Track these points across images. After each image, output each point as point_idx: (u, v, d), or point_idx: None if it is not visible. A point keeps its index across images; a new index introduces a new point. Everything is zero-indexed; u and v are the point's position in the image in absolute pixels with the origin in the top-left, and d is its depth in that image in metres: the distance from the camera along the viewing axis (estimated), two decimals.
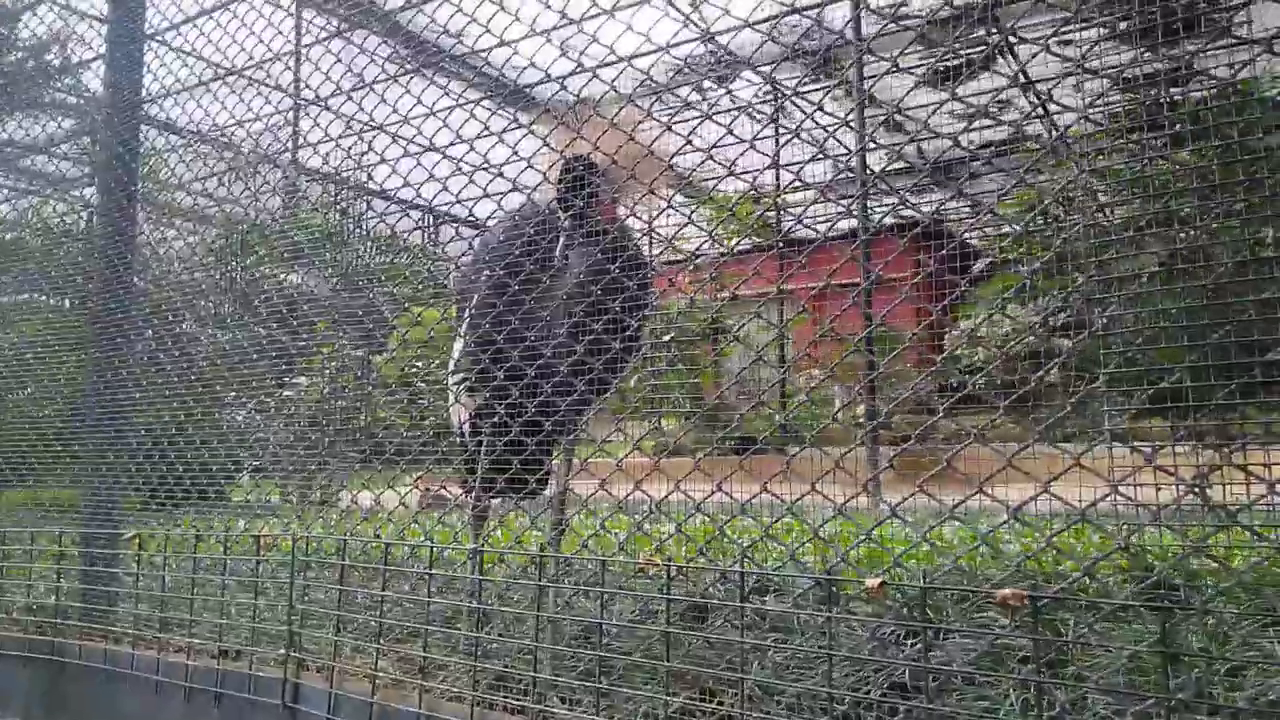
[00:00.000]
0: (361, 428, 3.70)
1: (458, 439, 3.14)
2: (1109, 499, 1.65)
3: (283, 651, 2.83)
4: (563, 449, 2.84)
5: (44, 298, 5.17)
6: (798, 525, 3.98)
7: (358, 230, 4.29)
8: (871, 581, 1.84)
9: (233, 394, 3.97)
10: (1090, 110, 2.32)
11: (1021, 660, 1.95)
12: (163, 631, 3.25)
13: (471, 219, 3.43)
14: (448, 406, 3.18)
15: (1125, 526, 1.78)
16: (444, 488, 3.15)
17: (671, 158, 2.53)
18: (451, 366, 3.11)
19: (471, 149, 3.16)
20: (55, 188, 5.26)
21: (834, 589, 1.95)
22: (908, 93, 2.77)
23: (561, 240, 2.60)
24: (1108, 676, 1.77)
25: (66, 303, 5.04)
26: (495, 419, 2.65)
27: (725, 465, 2.38)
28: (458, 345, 3.05)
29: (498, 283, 2.69)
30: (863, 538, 1.96)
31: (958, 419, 2.19)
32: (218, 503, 3.79)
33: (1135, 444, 1.65)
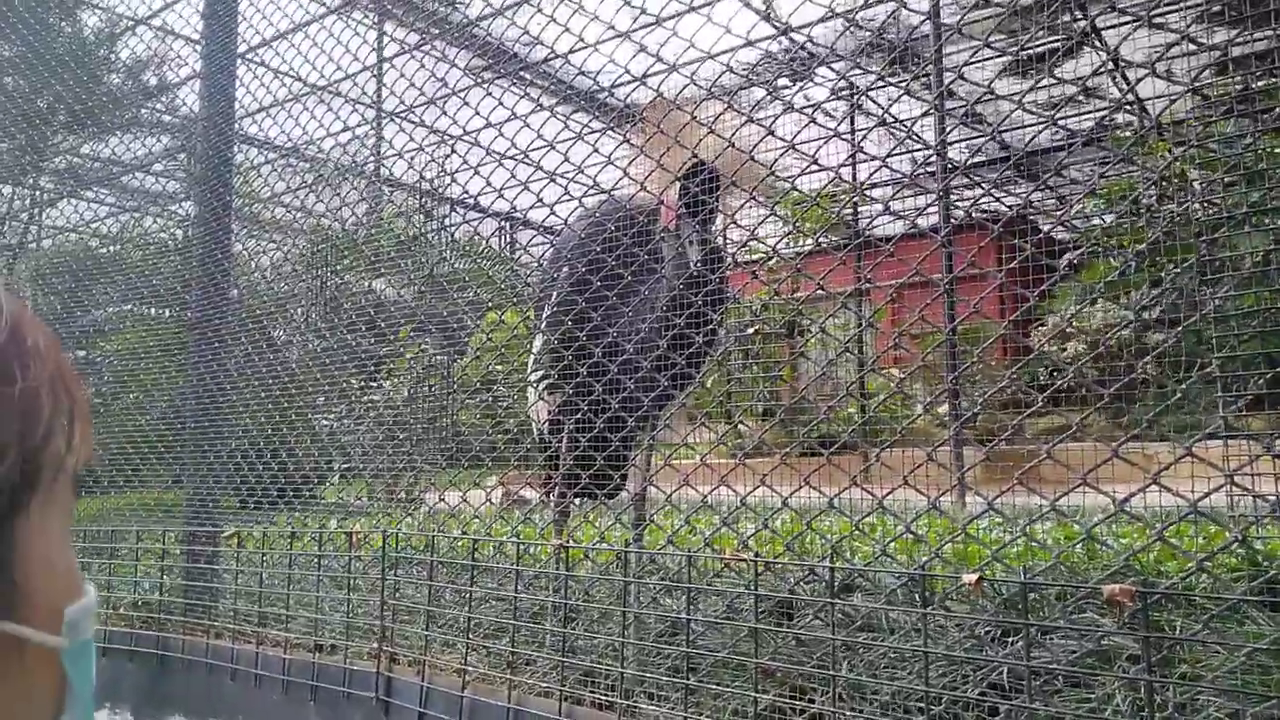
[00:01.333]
0: (446, 428, 3.76)
1: (538, 437, 3.17)
2: (1222, 491, 1.57)
3: (375, 646, 2.89)
4: (644, 445, 2.84)
5: (145, 308, 5.42)
6: (882, 523, 3.91)
7: (441, 235, 4.38)
8: (969, 577, 1.79)
9: (323, 398, 4.09)
10: (1194, 86, 2.22)
11: (1130, 659, 1.87)
12: (261, 626, 3.37)
13: (552, 222, 3.47)
14: (529, 405, 3.21)
15: (1240, 519, 1.69)
16: (528, 485, 3.18)
17: (772, 166, 2.50)
18: (532, 364, 3.14)
19: (552, 148, 3.20)
20: (155, 203, 5.51)
21: (927, 585, 1.90)
22: (992, 80, 2.71)
23: (680, 243, 2.59)
24: (1223, 676, 1.68)
25: (166, 312, 5.27)
26: (577, 416, 2.66)
27: (808, 463, 2.35)
28: (538, 342, 3.08)
29: (581, 279, 2.70)
30: (958, 532, 1.91)
31: (1052, 414, 2.11)
32: (311, 502, 3.91)
33: (1251, 434, 1.57)
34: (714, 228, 2.68)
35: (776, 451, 2.43)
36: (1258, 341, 1.56)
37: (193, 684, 3.59)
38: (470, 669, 2.63)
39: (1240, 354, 1.60)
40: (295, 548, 3.36)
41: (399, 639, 2.92)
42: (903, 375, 2.82)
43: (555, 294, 2.87)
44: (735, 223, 2.58)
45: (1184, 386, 1.55)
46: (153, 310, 5.43)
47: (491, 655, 2.67)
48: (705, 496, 2.37)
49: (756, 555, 2.15)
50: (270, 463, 3.76)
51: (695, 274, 2.46)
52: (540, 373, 2.99)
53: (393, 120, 4.39)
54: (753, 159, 2.48)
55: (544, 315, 2.96)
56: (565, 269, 2.87)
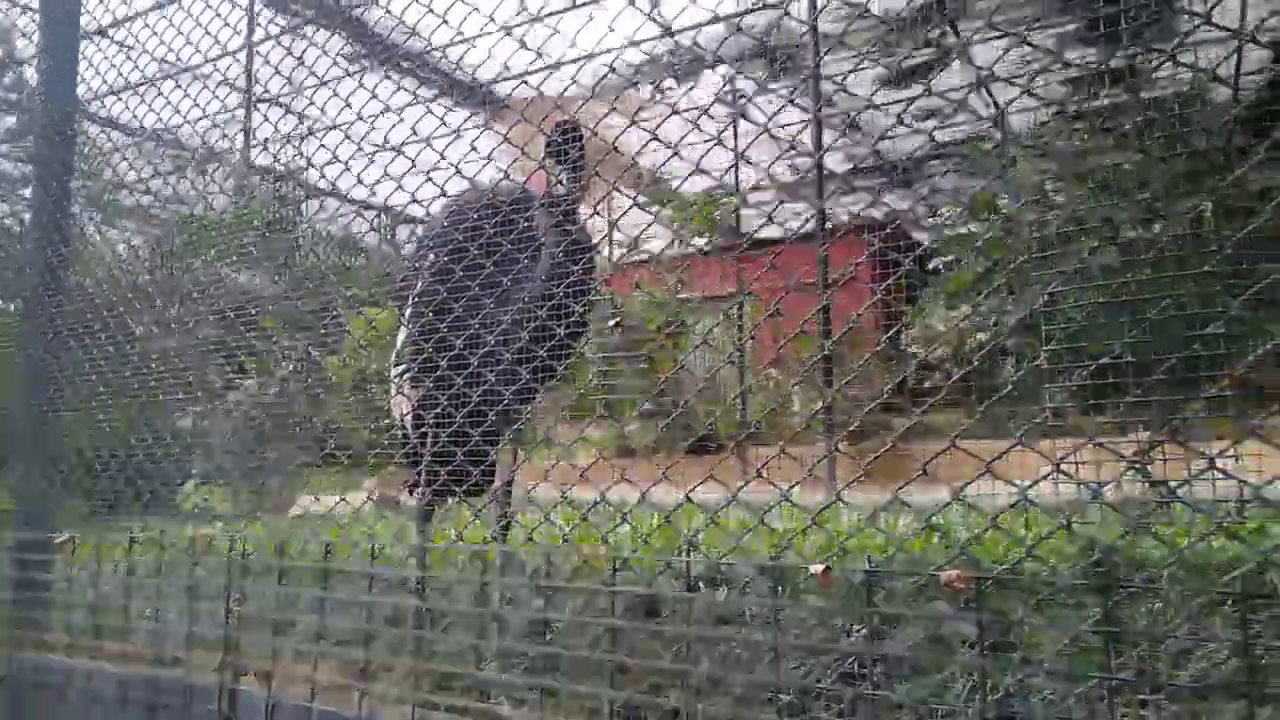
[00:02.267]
0: (308, 429, 3.61)
1: (399, 432, 3.07)
2: (1052, 479, 1.63)
3: (220, 657, 2.73)
4: (508, 440, 2.78)
5: None
6: (742, 521, 3.92)
7: (308, 229, 4.22)
8: (816, 568, 1.81)
9: (178, 397, 3.86)
10: (1032, 100, 2.31)
11: (970, 645, 1.93)
12: (96, 639, 3.14)
13: (425, 219, 3.37)
14: (389, 398, 3.11)
15: (1068, 507, 1.77)
16: (395, 488, 3.07)
17: (640, 151, 2.49)
18: (394, 357, 3.04)
19: (428, 146, 3.11)
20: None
21: (781, 577, 1.91)
22: (872, 93, 2.76)
23: (545, 221, 2.56)
24: (1053, 658, 1.75)
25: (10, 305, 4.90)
26: (439, 410, 2.58)
27: (682, 463, 2.34)
28: (401, 334, 2.98)
29: (444, 269, 2.63)
30: (808, 523, 1.92)
31: (911, 412, 2.16)
32: (162, 510, 3.68)
33: (1075, 425, 1.64)
34: (581, 186, 2.66)
35: (652, 451, 2.41)
36: (1076, 341, 1.63)
37: (22, 702, 3.32)
38: (321, 678, 2.51)
39: (1062, 365, 1.66)
40: (136, 553, 3.14)
41: (247, 649, 2.77)
42: (770, 382, 2.84)
43: (419, 284, 2.79)
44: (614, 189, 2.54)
45: (1011, 385, 1.60)
46: None
47: (344, 663, 2.56)
48: (564, 492, 2.33)
49: (614, 548, 2.12)
50: (113, 466, 3.52)
51: (560, 263, 2.43)
52: (402, 366, 2.89)
53: (257, 109, 4.20)
54: (616, 151, 2.46)
55: (408, 307, 2.87)
56: (430, 258, 2.79)
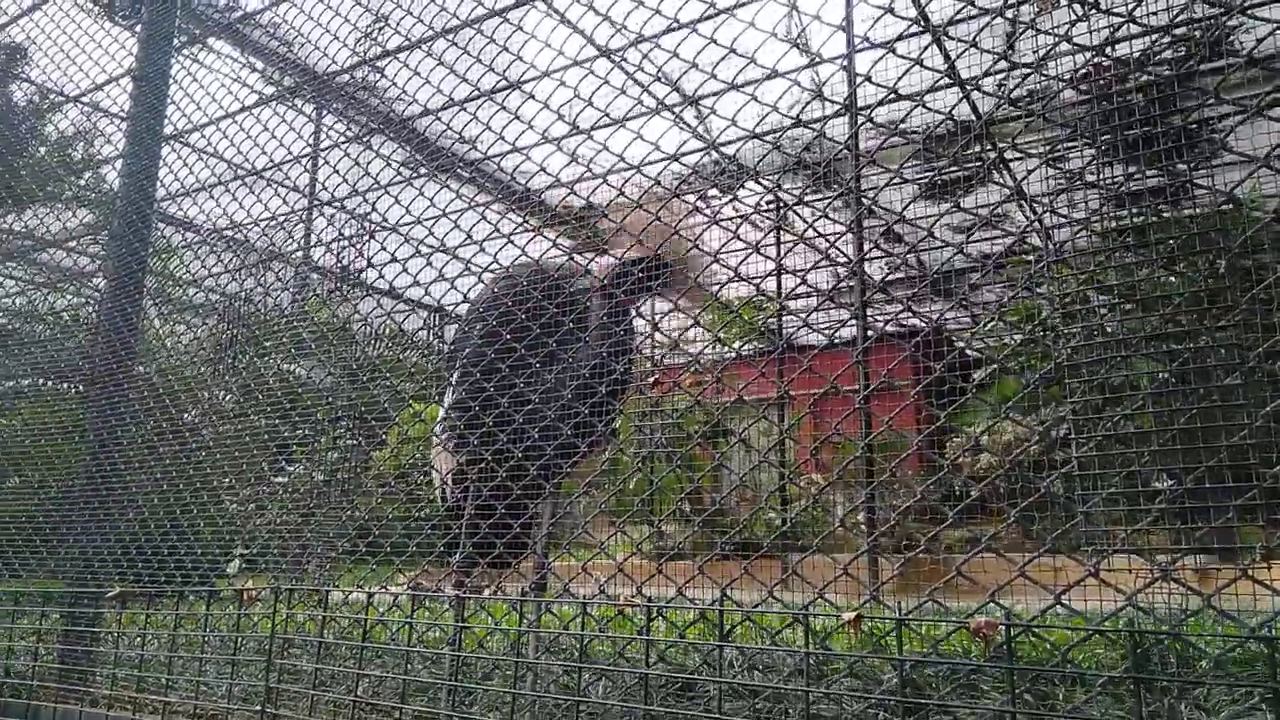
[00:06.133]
0: (351, 517, 3.64)
1: (440, 494, 3.10)
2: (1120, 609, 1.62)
3: (258, 709, 2.70)
4: (547, 495, 2.83)
5: (49, 384, 5.18)
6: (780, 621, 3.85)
7: (363, 326, 4.33)
8: (848, 616, 1.80)
9: (227, 482, 3.93)
10: (1088, 223, 2.37)
11: (997, 690, 1.90)
12: (139, 692, 3.13)
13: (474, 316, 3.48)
14: (433, 455, 3.15)
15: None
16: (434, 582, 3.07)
17: (716, 255, 2.58)
18: (440, 417, 3.10)
19: (481, 249, 3.23)
20: (67, 280, 5.35)
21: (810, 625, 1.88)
22: (907, 204, 2.84)
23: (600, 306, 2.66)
24: (1081, 706, 1.71)
25: (73, 390, 5.05)
26: (482, 468, 2.62)
27: (724, 568, 2.34)
28: (448, 396, 3.05)
29: (493, 333, 2.73)
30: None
31: (964, 527, 2.16)
32: (207, 591, 3.71)
33: (1148, 551, 1.63)
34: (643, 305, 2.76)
35: (695, 556, 2.41)
36: (1156, 460, 1.63)
37: None
38: None
39: (1128, 487, 1.67)
40: (182, 608, 3.14)
41: (284, 702, 2.72)
42: (817, 489, 2.85)
43: (469, 349, 2.88)
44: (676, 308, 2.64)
45: (1084, 508, 1.60)
46: (56, 387, 5.20)
47: (379, 714, 2.52)
48: (601, 586, 2.32)
49: (649, 601, 2.10)
50: (162, 548, 3.57)
51: (604, 324, 2.52)
52: (448, 427, 2.94)
53: (321, 212, 4.39)
54: (697, 246, 2.56)
55: (455, 370, 2.96)
56: (480, 325, 2.90)
